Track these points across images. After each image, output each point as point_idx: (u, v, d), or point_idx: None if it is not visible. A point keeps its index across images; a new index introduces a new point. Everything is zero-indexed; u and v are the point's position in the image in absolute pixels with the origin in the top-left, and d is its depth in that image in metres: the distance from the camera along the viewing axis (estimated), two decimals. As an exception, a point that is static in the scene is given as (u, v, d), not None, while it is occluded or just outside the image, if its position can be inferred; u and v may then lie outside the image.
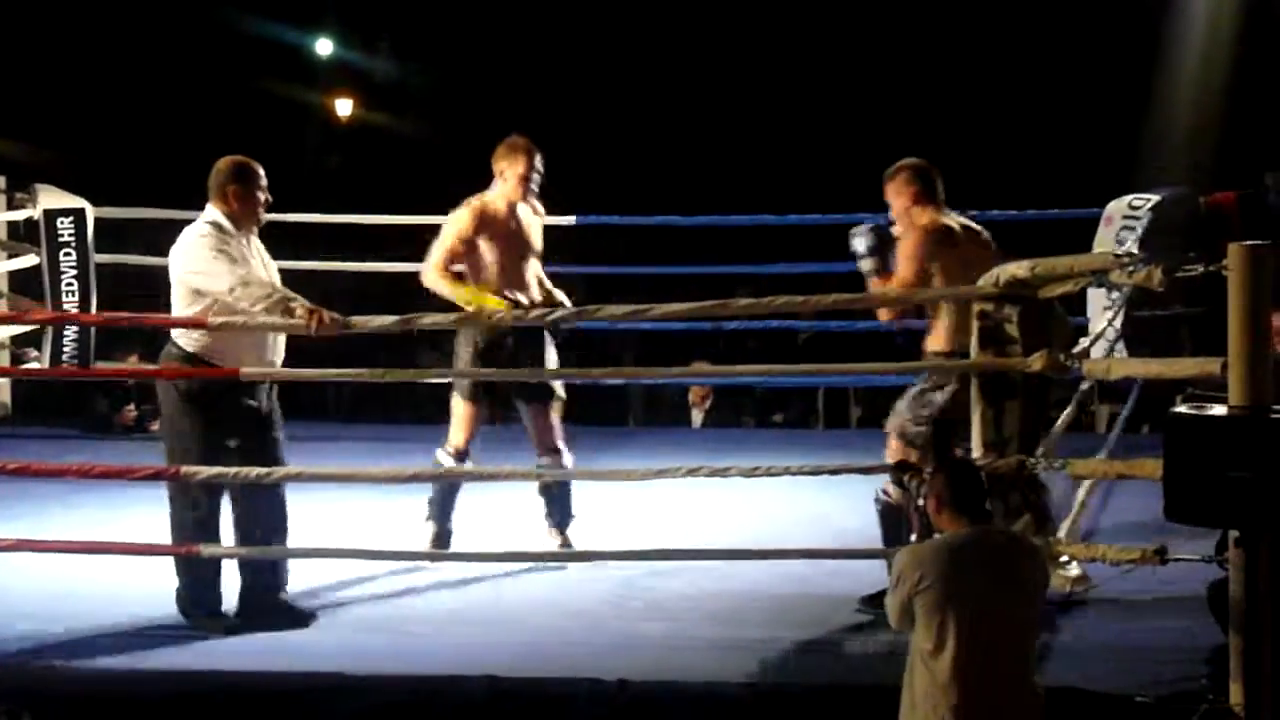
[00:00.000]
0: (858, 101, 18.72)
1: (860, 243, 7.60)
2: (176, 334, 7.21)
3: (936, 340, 7.52)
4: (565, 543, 8.10)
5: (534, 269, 8.17)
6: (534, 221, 8.20)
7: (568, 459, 8.16)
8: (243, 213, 7.22)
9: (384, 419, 13.21)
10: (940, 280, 7.33)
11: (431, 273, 8.05)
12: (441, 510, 8.05)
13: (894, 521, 6.97)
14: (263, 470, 7.11)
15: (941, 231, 7.45)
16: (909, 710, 5.29)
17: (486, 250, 8.03)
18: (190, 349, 7.14)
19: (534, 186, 8.14)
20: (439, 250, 8.07)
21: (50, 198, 11.09)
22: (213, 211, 7.23)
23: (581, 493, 8.25)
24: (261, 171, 7.30)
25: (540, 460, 8.16)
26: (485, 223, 8.06)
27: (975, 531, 5.33)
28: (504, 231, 8.07)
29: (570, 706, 6.14)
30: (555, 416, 8.18)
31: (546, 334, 8.09)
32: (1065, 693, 5.48)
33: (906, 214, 7.54)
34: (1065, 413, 7.72)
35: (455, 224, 8.09)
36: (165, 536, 7.33)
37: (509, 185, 8.10)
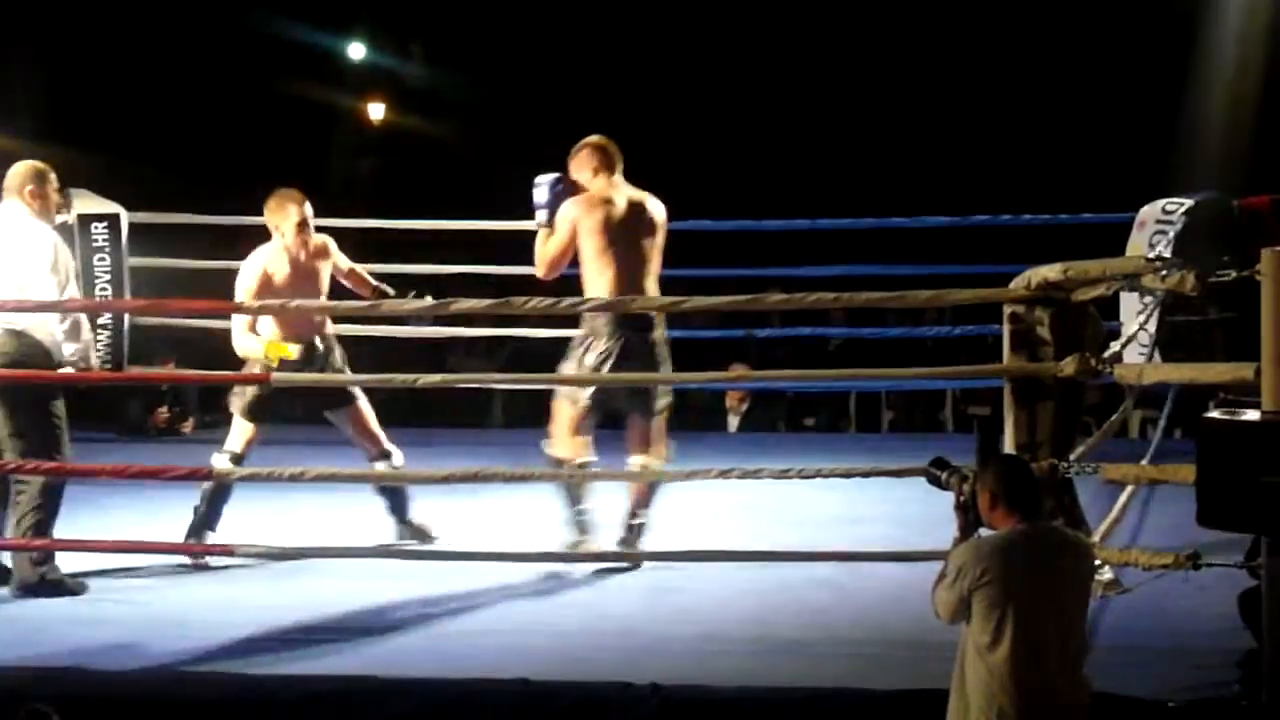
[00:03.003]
0: (890, 105, 18.70)
1: (540, 194, 8.12)
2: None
3: None
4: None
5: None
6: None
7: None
8: (42, 212, 7.83)
9: (420, 423, 13.23)
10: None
11: (239, 334, 8.35)
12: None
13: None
14: (296, 470, 7.16)
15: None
16: (959, 703, 5.32)
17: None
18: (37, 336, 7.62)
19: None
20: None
21: (84, 203, 11.11)
22: (21, 208, 7.78)
23: (615, 495, 8.26)
24: (53, 176, 7.97)
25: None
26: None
27: (1030, 528, 5.36)
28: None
29: (603, 710, 6.13)
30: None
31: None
32: (1097, 698, 5.46)
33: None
34: (1110, 420, 7.71)
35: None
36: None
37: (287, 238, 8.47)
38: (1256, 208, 7.81)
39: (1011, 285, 6.92)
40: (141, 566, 7.81)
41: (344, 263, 8.63)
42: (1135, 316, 7.64)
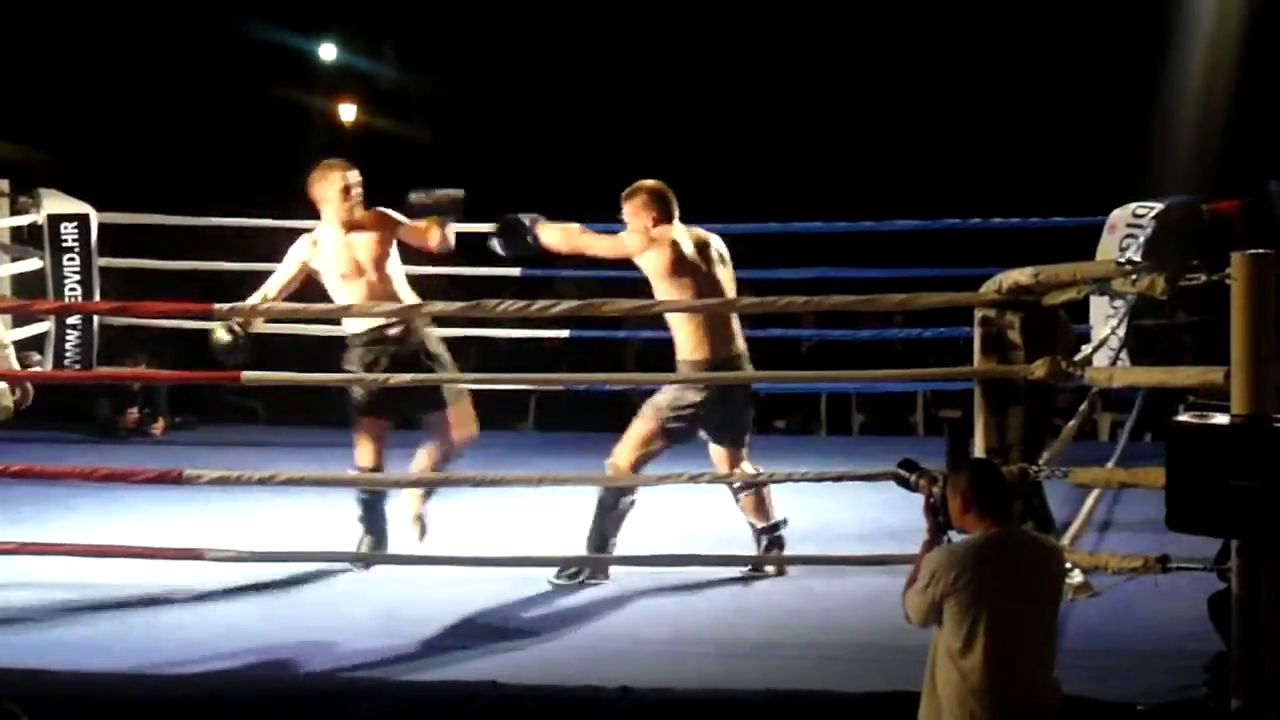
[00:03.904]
0: (860, 109, 18.73)
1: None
2: None
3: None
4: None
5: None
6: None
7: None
8: None
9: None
10: None
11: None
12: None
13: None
14: (266, 472, 7.14)
15: None
16: (930, 707, 5.33)
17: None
18: None
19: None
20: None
21: (54, 202, 11.09)
22: None
23: (582, 498, 8.24)
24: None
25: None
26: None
27: (1002, 532, 5.37)
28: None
29: (573, 712, 6.15)
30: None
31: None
32: (1067, 700, 5.47)
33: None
34: (1071, 422, 7.72)
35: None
36: (167, 539, 7.32)
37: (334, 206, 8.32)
38: (1226, 212, 7.85)
39: (982, 289, 6.93)
40: (110, 569, 7.77)
41: (402, 224, 8.43)
42: (1105, 320, 7.68)
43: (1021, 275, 6.81)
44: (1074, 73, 17.58)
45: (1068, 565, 7.03)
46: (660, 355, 8.49)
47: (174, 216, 11.70)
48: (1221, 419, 5.84)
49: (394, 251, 8.39)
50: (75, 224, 10.99)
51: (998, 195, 14.28)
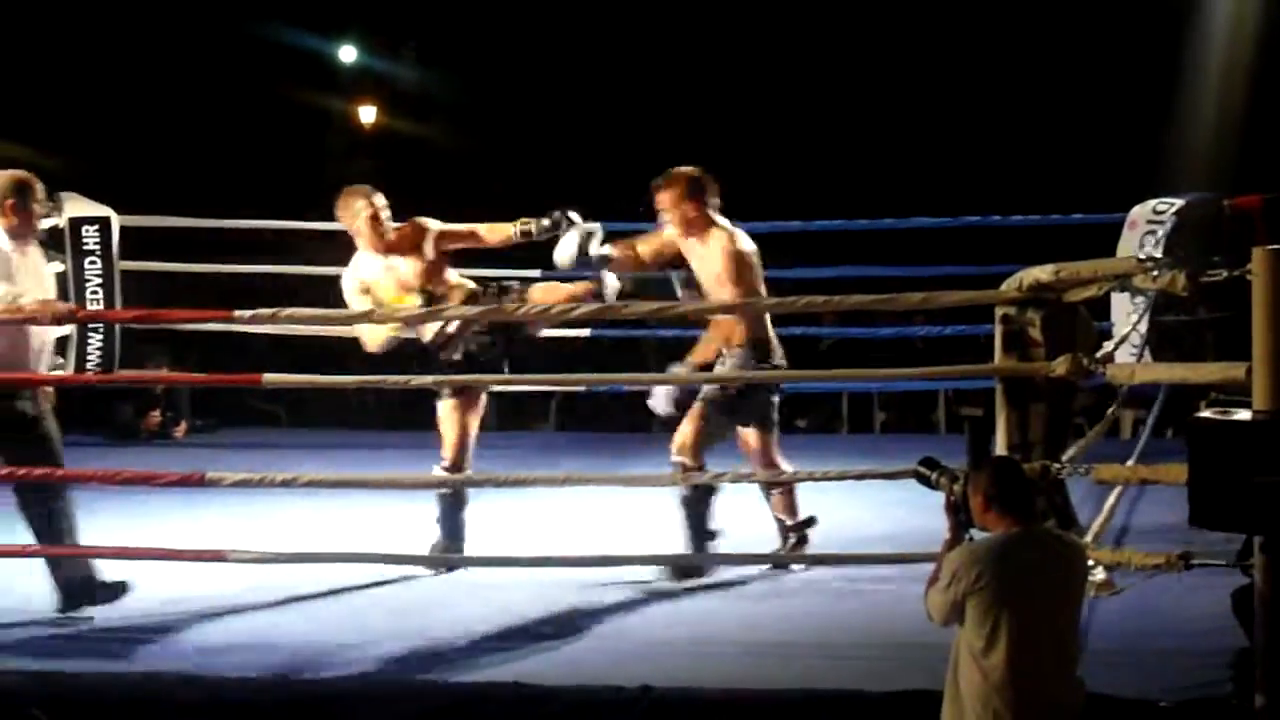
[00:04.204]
0: (881, 107, 18.72)
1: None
2: None
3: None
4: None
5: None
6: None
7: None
8: (20, 225, 7.47)
9: (412, 426, 13.20)
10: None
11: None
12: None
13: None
14: (288, 474, 7.15)
15: None
16: (953, 706, 5.32)
17: None
18: None
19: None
20: None
21: (76, 206, 11.08)
22: None
23: (607, 498, 8.26)
24: (40, 187, 7.61)
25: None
26: None
27: (1025, 531, 5.36)
28: None
29: (595, 712, 6.13)
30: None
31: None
32: (1089, 698, 5.46)
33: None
34: (1098, 426, 7.72)
35: None
36: (189, 541, 7.33)
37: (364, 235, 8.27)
38: (1246, 207, 7.82)
39: (1003, 287, 6.92)
40: (133, 571, 7.77)
41: (441, 231, 8.35)
42: (1127, 317, 7.65)
43: (1042, 272, 6.80)
44: (1094, 70, 17.56)
45: (1090, 563, 7.04)
46: (680, 353, 8.47)
47: (195, 219, 11.72)
48: (1244, 415, 5.82)
49: (444, 258, 8.33)
50: (96, 227, 10.97)
51: (1018, 192, 14.25)
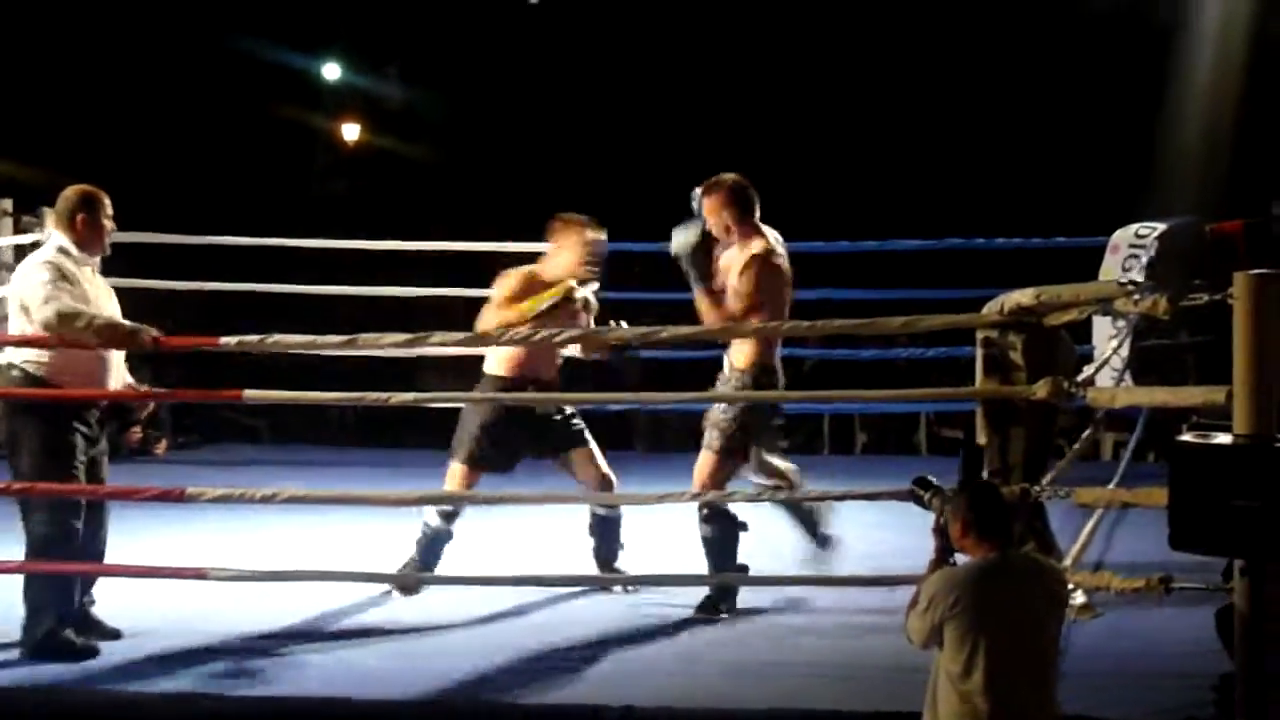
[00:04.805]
0: (863, 128, 18.75)
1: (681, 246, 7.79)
2: (13, 355, 7.24)
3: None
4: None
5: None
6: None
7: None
8: (88, 240, 7.25)
9: (392, 444, 13.20)
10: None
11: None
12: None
13: None
14: (269, 491, 7.14)
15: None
16: None
17: None
18: (30, 370, 7.18)
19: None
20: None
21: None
22: (59, 238, 7.28)
23: (588, 519, 8.26)
24: (108, 201, 7.37)
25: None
26: None
27: (1002, 556, 5.36)
28: None
29: (575, 731, 6.15)
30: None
31: None
32: (1070, 720, 5.49)
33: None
34: (1077, 444, 7.74)
35: None
36: (173, 558, 7.33)
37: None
38: (1228, 232, 7.84)
39: (984, 310, 6.94)
40: (113, 588, 7.75)
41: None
42: (1108, 341, 7.68)
43: (1023, 296, 6.82)
44: (1078, 92, 17.60)
45: (1070, 586, 7.05)
46: (664, 373, 8.48)
47: (178, 236, 11.70)
48: (1224, 439, 5.83)
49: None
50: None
51: (1001, 215, 14.29)
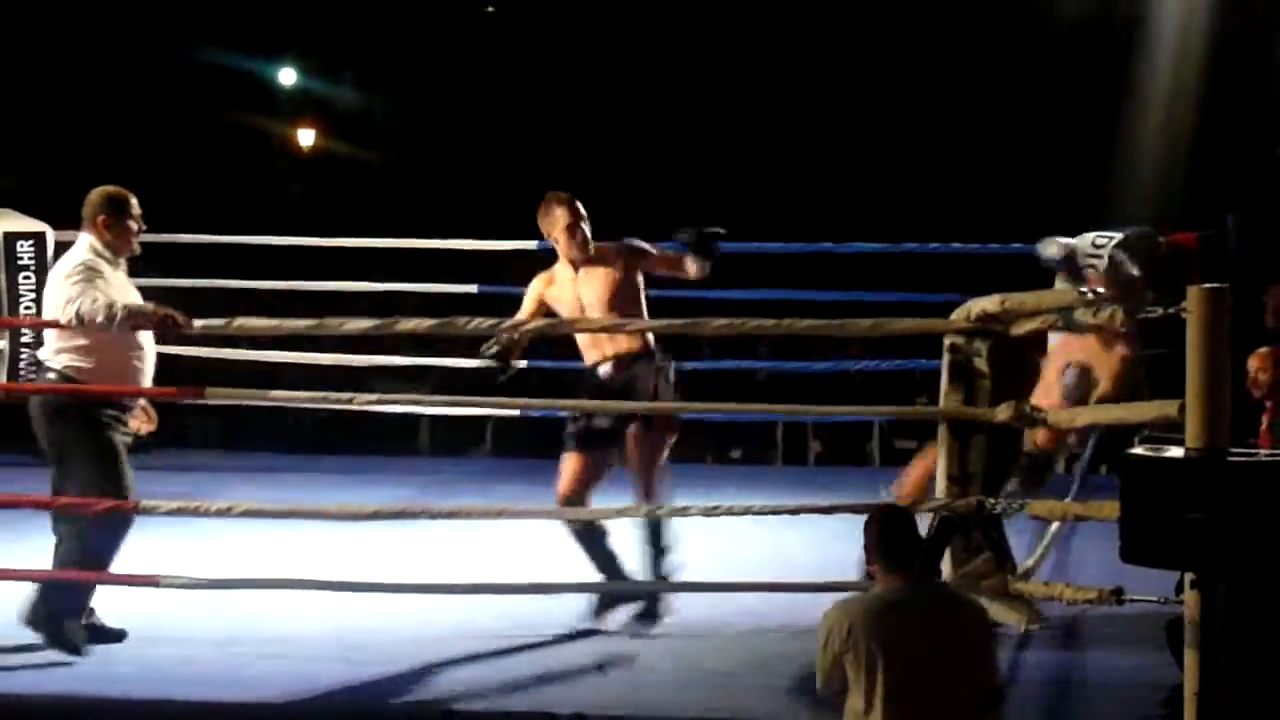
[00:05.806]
0: (822, 130, 18.80)
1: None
2: (52, 360, 7.23)
3: None
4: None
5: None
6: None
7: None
8: (114, 241, 7.25)
9: (347, 450, 13.15)
10: None
11: None
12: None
13: None
14: (224, 504, 7.13)
15: None
16: None
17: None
18: (69, 374, 7.18)
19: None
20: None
21: (9, 221, 11.05)
22: (87, 238, 7.28)
23: (542, 530, 8.24)
24: (134, 201, 7.40)
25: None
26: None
27: (906, 586, 5.15)
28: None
29: (526, 739, 6.14)
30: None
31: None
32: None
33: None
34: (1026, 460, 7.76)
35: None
36: (122, 564, 7.29)
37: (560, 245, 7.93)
38: (1183, 244, 7.87)
39: (952, 316, 6.96)
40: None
41: (637, 249, 7.96)
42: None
43: (989, 303, 6.85)
44: (1037, 98, 17.67)
45: (1025, 595, 7.05)
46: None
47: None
48: (1176, 452, 5.84)
49: (635, 287, 7.93)
50: (31, 242, 10.96)
51: (958, 220, 14.31)
